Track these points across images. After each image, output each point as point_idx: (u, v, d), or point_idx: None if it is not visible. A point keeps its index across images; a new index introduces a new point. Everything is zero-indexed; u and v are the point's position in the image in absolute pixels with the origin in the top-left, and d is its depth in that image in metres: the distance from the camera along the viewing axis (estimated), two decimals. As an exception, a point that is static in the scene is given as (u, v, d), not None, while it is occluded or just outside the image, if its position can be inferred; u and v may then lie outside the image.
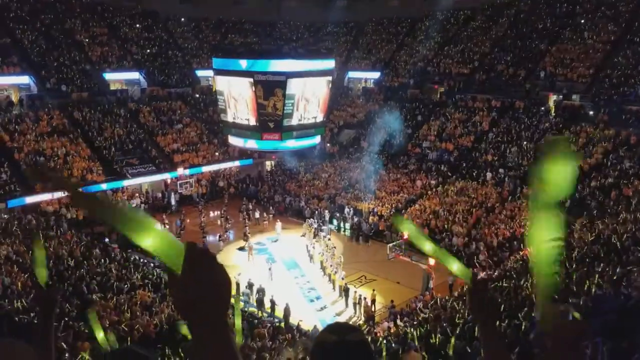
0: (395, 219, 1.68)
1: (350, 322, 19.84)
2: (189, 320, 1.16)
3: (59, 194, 27.87)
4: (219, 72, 25.87)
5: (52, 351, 2.37)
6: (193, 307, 1.15)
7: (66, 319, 13.92)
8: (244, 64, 24.52)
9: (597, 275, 13.20)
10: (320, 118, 26.86)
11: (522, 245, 23.30)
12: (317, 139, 28.41)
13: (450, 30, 44.00)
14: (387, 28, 48.44)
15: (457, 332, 13.24)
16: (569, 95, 33.30)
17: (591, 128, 29.27)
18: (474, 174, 30.51)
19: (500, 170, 29.92)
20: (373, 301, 20.53)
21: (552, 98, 33.91)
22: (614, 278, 12.09)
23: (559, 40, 37.47)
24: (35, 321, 12.22)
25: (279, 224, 29.33)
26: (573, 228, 22.21)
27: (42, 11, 39.87)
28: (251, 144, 27.06)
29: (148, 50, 43.07)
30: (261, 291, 21.13)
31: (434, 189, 30.48)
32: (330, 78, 26.84)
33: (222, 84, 26.24)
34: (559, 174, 1.51)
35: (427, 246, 1.77)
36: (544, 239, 1.51)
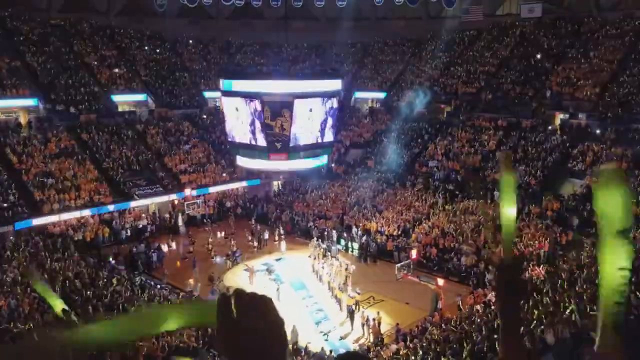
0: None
1: (359, 343, 19.68)
2: None
3: (66, 216, 28.00)
4: (227, 93, 25.99)
5: None
6: (248, 356, 1.11)
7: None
8: (251, 85, 24.68)
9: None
10: (328, 138, 26.88)
11: (530, 264, 23.06)
12: (324, 159, 28.43)
13: (456, 50, 44.25)
14: (393, 48, 48.79)
15: (467, 353, 13.08)
16: (575, 114, 33.28)
17: (598, 147, 29.15)
18: (481, 193, 30.32)
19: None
20: (379, 323, 20.24)
21: (559, 117, 33.88)
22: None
23: (565, 60, 37.56)
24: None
25: (283, 244, 29.62)
26: (584, 247, 22.04)
27: (52, 34, 40.47)
28: (258, 164, 27.09)
29: (156, 72, 43.52)
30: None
31: (441, 208, 30.33)
32: (337, 98, 26.92)
33: (229, 105, 26.37)
34: (613, 205, 1.53)
35: None
36: (614, 267, 1.50)
